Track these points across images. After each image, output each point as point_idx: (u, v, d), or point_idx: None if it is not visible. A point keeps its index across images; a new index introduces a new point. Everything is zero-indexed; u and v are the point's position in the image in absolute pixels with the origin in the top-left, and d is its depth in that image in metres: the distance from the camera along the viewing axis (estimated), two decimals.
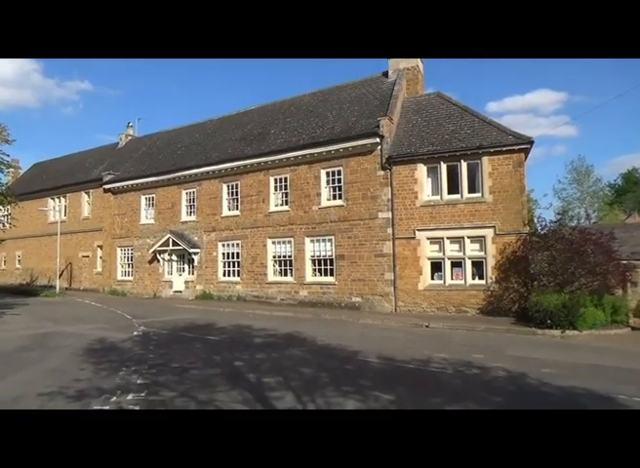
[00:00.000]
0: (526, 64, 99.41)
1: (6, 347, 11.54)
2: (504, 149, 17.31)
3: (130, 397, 7.07)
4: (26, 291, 29.47)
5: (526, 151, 17.62)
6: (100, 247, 30.33)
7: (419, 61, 22.93)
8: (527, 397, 7.21)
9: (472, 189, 18.01)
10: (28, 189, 36.04)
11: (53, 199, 34.44)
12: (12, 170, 35.19)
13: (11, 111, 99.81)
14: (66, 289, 30.76)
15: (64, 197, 33.72)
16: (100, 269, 30.36)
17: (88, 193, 32.02)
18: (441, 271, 18.33)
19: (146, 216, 27.91)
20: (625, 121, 78.62)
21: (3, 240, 35.80)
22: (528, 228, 17.31)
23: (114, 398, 7.00)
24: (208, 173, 24.49)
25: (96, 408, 6.55)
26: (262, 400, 6.93)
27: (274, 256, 22.35)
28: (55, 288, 29.09)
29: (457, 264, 18.17)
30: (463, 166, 18.08)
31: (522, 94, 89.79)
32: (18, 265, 37.01)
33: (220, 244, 24.17)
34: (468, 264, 17.91)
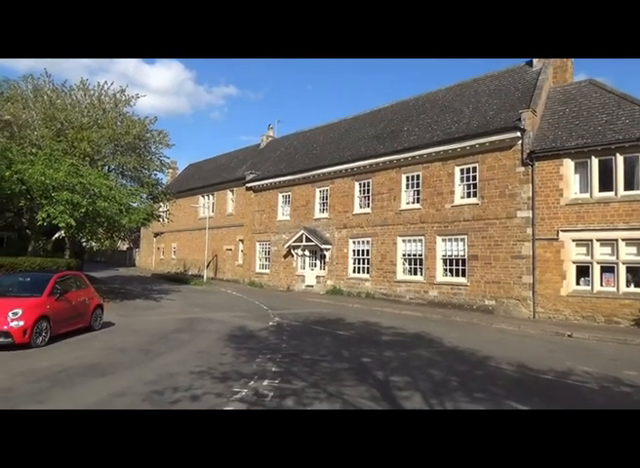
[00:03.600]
0: None
1: (165, 328, 13.12)
2: None
3: (265, 383, 7.59)
4: (180, 278, 32.98)
5: None
6: (242, 241, 32.78)
7: None
8: None
9: (630, 186, 16.04)
10: (183, 187, 40.20)
11: (203, 196, 38.03)
12: (171, 170, 39.63)
13: (168, 117, 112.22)
14: (212, 278, 33.76)
15: (212, 195, 37.05)
16: (240, 262, 32.84)
17: (232, 191, 34.81)
18: (588, 276, 16.65)
19: (283, 213, 29.48)
20: None
21: (162, 233, 40.47)
22: None
23: (252, 382, 7.57)
24: (341, 171, 25.10)
25: (236, 390, 7.15)
26: (390, 399, 6.97)
27: (404, 255, 22.19)
28: (202, 277, 32.14)
29: (607, 269, 16.36)
30: (619, 160, 16.19)
31: None
32: (173, 256, 41.52)
33: (350, 241, 24.65)
34: (622, 270, 16.02)
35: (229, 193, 35.21)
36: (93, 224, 17.94)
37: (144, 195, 23.83)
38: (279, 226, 29.23)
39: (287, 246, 27.59)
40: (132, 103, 24.08)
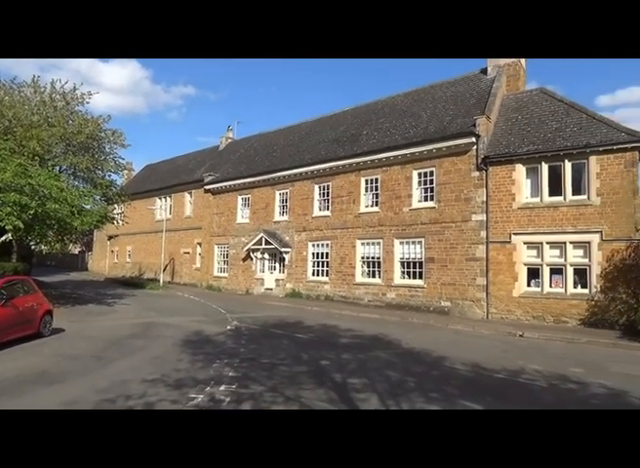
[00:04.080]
0: None
1: (118, 334, 12.73)
2: (615, 148, 15.93)
3: (222, 388, 7.48)
4: (135, 283, 32.10)
5: None
6: (200, 244, 32.25)
7: None
8: None
9: (577, 191, 16.78)
10: (139, 189, 39.20)
11: (160, 198, 37.20)
12: (126, 171, 38.62)
13: (124, 117, 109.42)
14: (169, 282, 33.07)
15: (170, 197, 36.31)
16: (198, 265, 32.30)
17: (190, 193, 34.21)
18: (538, 278, 17.29)
19: (242, 216, 29.21)
20: None
21: (116, 235, 39.33)
22: None
23: (208, 388, 7.44)
24: (301, 174, 25.10)
25: (192, 396, 7.00)
26: (347, 401, 7.00)
27: (363, 258, 22.39)
28: (159, 281, 31.42)
29: (556, 271, 17.03)
30: (567, 166, 16.90)
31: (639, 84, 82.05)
32: (128, 259, 40.42)
33: (310, 244, 24.68)
34: (570, 272, 16.72)
35: (187, 195, 34.59)
36: (42, 227, 17.22)
37: (98, 197, 23.12)
38: (238, 229, 28.94)
39: (246, 249, 27.34)
40: (85, 101, 23.33)
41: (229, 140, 37.41)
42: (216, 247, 30.69)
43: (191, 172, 36.03)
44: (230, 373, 8.48)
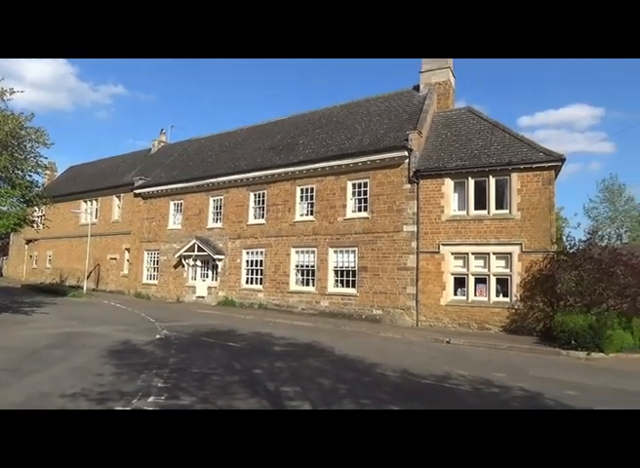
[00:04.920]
0: (559, 78, 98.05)
1: (35, 344, 11.89)
2: (534, 166, 17.10)
3: (150, 400, 7.21)
4: (55, 290, 30.23)
5: (556, 168, 17.35)
6: (128, 250, 31.00)
7: (450, 76, 22.89)
8: None
9: (500, 205, 17.81)
10: (63, 191, 37.14)
11: (85, 202, 35.41)
12: (48, 172, 36.45)
13: (46, 114, 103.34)
14: (93, 290, 31.48)
15: (96, 200, 34.65)
16: (126, 272, 31.01)
17: (119, 197, 32.84)
18: (464, 287, 18.13)
19: (174, 222, 28.43)
20: None
21: (36, 239, 36.96)
22: (556, 247, 17.01)
23: (135, 400, 7.14)
24: (236, 181, 24.84)
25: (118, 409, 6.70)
26: (280, 409, 6.97)
27: (297, 266, 22.46)
28: (82, 288, 29.82)
29: (481, 281, 17.94)
30: (492, 182, 17.92)
31: (556, 108, 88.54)
32: (48, 265, 38.06)
33: (244, 251, 24.43)
34: (493, 281, 17.67)
35: (116, 199, 33.17)
36: None
37: (16, 198, 21.62)
38: (170, 235, 28.12)
39: (178, 255, 26.60)
40: (6, 98, 21.80)
41: (162, 144, 36.35)
42: (145, 253, 29.62)
43: (121, 175, 34.63)
44: (159, 384, 8.19)
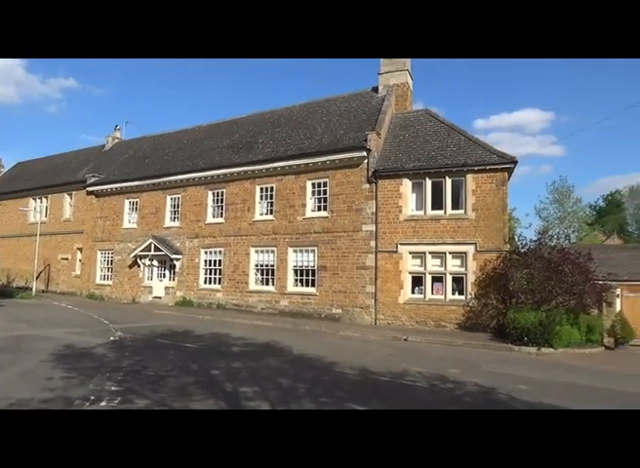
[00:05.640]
0: (513, 83, 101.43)
1: None
2: (488, 168, 17.60)
3: (102, 404, 6.98)
4: (2, 291, 28.86)
5: (509, 170, 17.93)
6: (80, 249, 29.93)
7: (408, 78, 23.26)
8: None
9: (456, 206, 18.24)
10: (10, 188, 35.53)
11: (34, 199, 33.93)
12: None
13: None
14: (43, 291, 30.22)
15: (46, 198, 33.26)
16: (78, 272, 29.94)
17: (70, 195, 31.64)
18: (422, 285, 18.48)
19: (129, 221, 27.67)
20: (610, 144, 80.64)
21: None
22: (508, 246, 17.58)
23: (87, 405, 6.90)
24: (194, 179, 24.42)
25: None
26: (238, 409, 6.89)
27: (256, 265, 22.30)
28: (31, 289, 28.59)
29: (437, 279, 18.33)
30: (448, 182, 18.33)
31: (509, 112, 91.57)
32: None
33: (202, 251, 24.05)
34: (449, 280, 18.09)
35: (67, 197, 31.93)
36: None
37: None
38: (125, 234, 27.35)
39: (133, 255, 25.91)
40: None
41: (116, 140, 35.27)
42: (99, 253, 28.69)
43: (73, 171, 33.37)
44: (112, 388, 7.94)
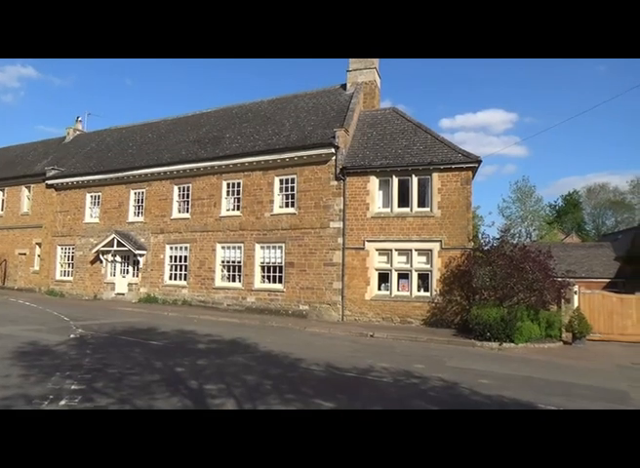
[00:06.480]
0: (477, 83, 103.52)
1: None
2: (453, 167, 17.92)
3: (62, 403, 6.77)
4: None
5: (474, 169, 18.29)
6: (39, 244, 28.95)
7: (376, 76, 23.42)
8: (458, 406, 7.43)
9: (422, 204, 18.50)
10: None
11: None
12: None
13: None
14: (0, 287, 29.11)
15: (2, 190, 31.99)
16: (37, 268, 28.96)
17: (29, 188, 30.53)
18: (388, 282, 18.68)
19: (91, 215, 26.93)
20: (571, 145, 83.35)
21: None
22: (472, 244, 17.95)
23: (45, 404, 6.68)
24: (159, 173, 23.94)
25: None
26: (203, 407, 6.81)
27: (223, 262, 22.08)
28: None
29: (403, 276, 18.57)
30: (414, 180, 18.56)
31: (474, 112, 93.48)
32: None
33: (167, 246, 23.64)
34: (415, 276, 18.34)
35: (25, 190, 30.80)
36: None
37: None
38: (86, 229, 26.61)
39: (95, 251, 25.24)
40: None
41: (77, 132, 34.20)
42: (59, 248, 27.82)
43: (31, 164, 32.20)
44: (73, 387, 7.71)
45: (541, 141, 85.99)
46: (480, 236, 19.00)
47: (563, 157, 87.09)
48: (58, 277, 27.69)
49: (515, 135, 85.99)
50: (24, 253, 29.86)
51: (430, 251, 18.08)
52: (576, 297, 16.51)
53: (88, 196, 27.02)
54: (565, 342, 15.61)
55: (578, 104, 78.76)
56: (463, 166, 17.90)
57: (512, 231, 20.44)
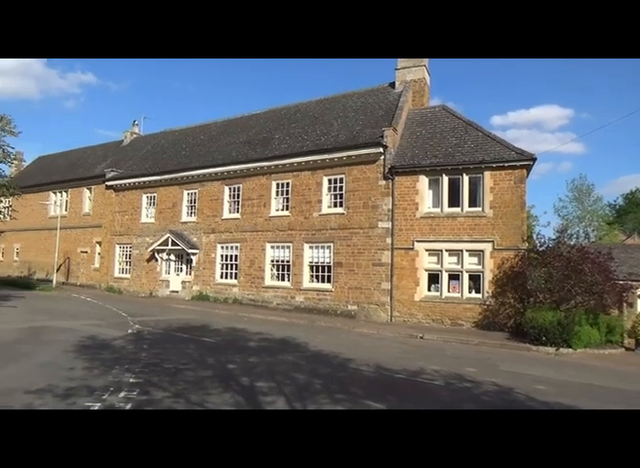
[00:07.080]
0: (531, 79, 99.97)
1: (3, 339, 11.57)
2: (506, 165, 17.39)
3: (121, 395, 7.09)
4: (23, 283, 29.46)
5: (528, 167, 17.69)
6: (99, 243, 30.37)
7: (425, 74, 23.06)
8: None
9: (473, 203, 18.07)
10: (31, 182, 36.08)
11: (54, 193, 34.52)
12: (16, 162, 35.33)
13: (12, 101, 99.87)
14: (63, 283, 30.76)
15: (66, 192, 33.81)
16: (97, 265, 30.40)
17: (90, 189, 32.11)
18: (438, 283, 18.36)
19: (147, 215, 27.97)
20: (631, 142, 79.12)
21: (3, 231, 35.84)
22: (527, 244, 17.37)
23: (106, 396, 7.02)
24: (210, 174, 24.57)
25: (87, 405, 6.57)
26: (254, 404, 6.95)
27: (272, 261, 22.38)
28: (52, 282, 29.11)
29: (454, 277, 18.20)
30: (465, 179, 18.15)
31: (527, 108, 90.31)
32: (16, 258, 37.00)
33: (219, 246, 24.21)
34: (466, 277, 17.94)
35: (86, 191, 32.42)
36: None
37: None
38: (142, 229, 27.66)
39: (151, 249, 26.20)
40: None
41: (134, 136, 35.64)
42: (117, 246, 29.07)
43: (91, 166, 33.85)
44: (131, 380, 8.06)
45: (599, 138, 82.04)
46: (535, 236, 18.33)
47: (623, 154, 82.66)
48: (116, 274, 28.94)
49: (571, 131, 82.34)
50: (86, 252, 31.40)
51: (482, 251, 17.63)
52: (639, 301, 15.66)
53: (144, 197, 28.07)
54: (627, 349, 14.85)
55: (636, 100, 74.62)
56: (517, 164, 17.34)
57: (569, 231, 19.60)
